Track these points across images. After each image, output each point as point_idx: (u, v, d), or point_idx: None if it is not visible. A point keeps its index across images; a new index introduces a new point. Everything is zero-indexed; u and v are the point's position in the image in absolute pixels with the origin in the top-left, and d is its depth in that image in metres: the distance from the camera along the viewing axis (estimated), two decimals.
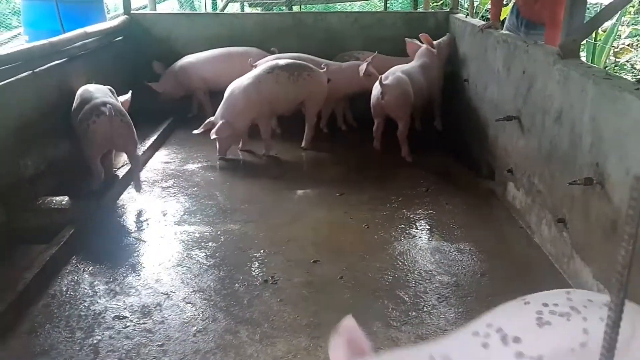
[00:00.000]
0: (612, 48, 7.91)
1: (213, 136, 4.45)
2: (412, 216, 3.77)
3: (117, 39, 5.48)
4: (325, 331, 2.59)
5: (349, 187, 4.20)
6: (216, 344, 2.52)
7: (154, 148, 4.96)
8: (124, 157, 4.52)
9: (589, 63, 4.16)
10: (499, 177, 4.05)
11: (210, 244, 3.40)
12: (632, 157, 2.36)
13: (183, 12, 10.40)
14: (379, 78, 4.56)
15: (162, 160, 4.80)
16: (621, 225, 2.42)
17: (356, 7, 10.09)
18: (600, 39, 7.72)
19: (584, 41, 4.80)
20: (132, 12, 5.88)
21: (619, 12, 6.99)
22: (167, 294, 2.89)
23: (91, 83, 4.21)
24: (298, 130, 5.05)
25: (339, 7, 9.90)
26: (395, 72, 4.76)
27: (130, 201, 3.98)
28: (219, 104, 4.68)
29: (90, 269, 3.12)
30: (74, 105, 3.94)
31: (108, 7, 9.00)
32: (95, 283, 2.98)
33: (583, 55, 6.59)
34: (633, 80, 5.24)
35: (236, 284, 2.97)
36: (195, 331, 2.60)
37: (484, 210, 3.87)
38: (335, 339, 1.47)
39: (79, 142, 3.85)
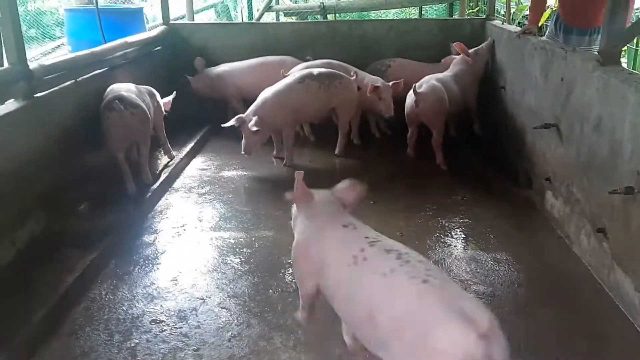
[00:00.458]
0: None
1: (254, 128, 4.44)
2: (447, 224, 3.74)
3: (156, 48, 5.60)
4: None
5: (383, 195, 4.18)
6: (250, 349, 2.54)
7: (191, 155, 5.05)
8: (163, 161, 4.64)
9: (630, 70, 4.04)
10: (536, 185, 3.98)
11: (245, 250, 3.43)
12: None
13: (220, 22, 10.57)
14: (413, 86, 4.55)
15: (198, 167, 4.88)
16: None
17: (391, 14, 10.08)
18: None
19: (625, 47, 4.70)
20: (170, 22, 6.01)
21: None
22: (202, 299, 2.93)
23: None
24: (332, 139, 5.06)
25: (373, 15, 9.91)
26: (430, 80, 4.74)
27: (167, 207, 4.06)
28: None
29: (128, 273, 3.19)
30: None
31: (147, 17, 9.21)
32: (134, 287, 3.04)
33: (624, 61, 6.43)
34: None
35: (270, 290, 3.00)
36: (230, 336, 2.63)
37: (521, 219, 3.81)
38: (298, 183, 2.30)
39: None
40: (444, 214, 3.87)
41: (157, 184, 4.25)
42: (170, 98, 4.72)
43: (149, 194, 4.09)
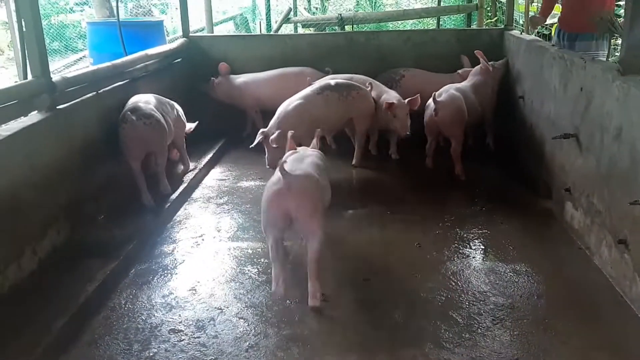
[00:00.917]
0: None
1: (274, 145, 4.47)
2: (465, 235, 3.71)
3: (176, 60, 5.67)
4: (376, 350, 2.58)
5: (401, 205, 4.18)
6: None
7: (209, 166, 5.10)
8: (183, 172, 4.70)
9: None
10: (556, 196, 3.94)
11: (262, 260, 3.44)
12: None
13: (239, 34, 10.68)
14: (433, 95, 4.54)
15: (216, 177, 4.92)
16: None
17: (408, 25, 10.10)
18: None
19: None
20: (190, 34, 6.08)
21: None
22: (220, 309, 2.94)
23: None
24: (350, 149, 5.07)
25: (390, 26, 9.93)
26: (449, 89, 4.73)
27: (186, 217, 4.09)
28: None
29: (147, 282, 3.21)
30: None
31: (167, 30, 9.35)
32: (152, 296, 3.07)
33: None
34: None
35: (287, 301, 3.00)
36: (248, 346, 2.64)
37: (541, 230, 3.77)
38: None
39: None
40: (462, 225, 3.85)
41: (176, 194, 4.29)
42: (194, 125, 4.78)
43: (168, 204, 4.13)
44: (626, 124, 2.91)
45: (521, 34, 5.50)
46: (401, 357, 2.54)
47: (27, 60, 3.38)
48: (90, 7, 11.33)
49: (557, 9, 5.83)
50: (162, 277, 3.28)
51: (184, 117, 4.69)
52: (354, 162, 5.02)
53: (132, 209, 3.96)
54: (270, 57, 5.85)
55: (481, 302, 2.94)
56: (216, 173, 5.03)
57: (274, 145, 4.45)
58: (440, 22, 9.76)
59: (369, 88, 4.93)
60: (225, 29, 11.50)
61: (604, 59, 4.75)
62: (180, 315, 2.90)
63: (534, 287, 3.09)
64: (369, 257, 3.47)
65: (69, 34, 10.83)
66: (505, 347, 2.59)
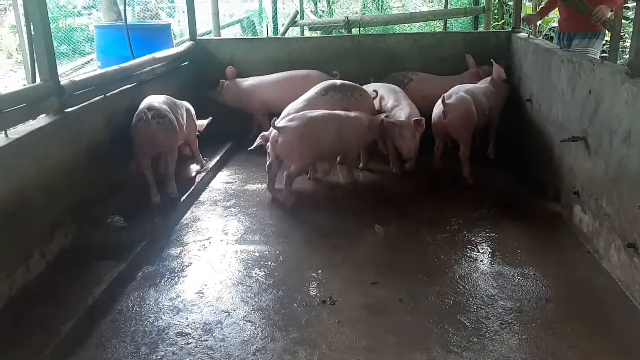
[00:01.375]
0: None
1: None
2: (473, 239, 3.70)
3: (183, 63, 5.69)
4: (384, 354, 2.57)
5: (408, 208, 4.17)
6: None
7: (216, 169, 5.11)
8: (193, 174, 4.71)
9: None
10: (564, 199, 3.92)
11: (269, 263, 3.44)
12: None
13: (245, 37, 10.70)
14: (442, 97, 4.52)
15: (224, 180, 4.92)
16: None
17: (415, 28, 10.08)
18: None
19: None
20: (197, 38, 6.10)
21: None
22: (227, 312, 2.94)
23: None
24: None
25: (397, 29, 9.92)
26: (458, 91, 4.71)
27: (193, 220, 4.10)
28: None
29: (155, 285, 3.22)
30: None
31: (175, 33, 9.38)
32: (160, 299, 3.07)
33: None
34: None
35: (294, 304, 3.00)
36: (255, 350, 2.63)
37: (549, 233, 3.75)
38: None
39: None
40: (470, 228, 3.83)
41: (184, 197, 4.29)
42: (206, 121, 4.85)
43: (176, 206, 4.14)
44: (635, 127, 2.90)
45: (529, 36, 5.48)
46: None
47: (36, 64, 3.40)
48: (98, 10, 11.40)
49: (557, 11, 5.88)
50: (170, 279, 3.28)
51: (195, 117, 4.73)
52: (360, 165, 5.01)
53: (140, 211, 3.96)
54: (277, 60, 5.86)
55: (489, 306, 2.93)
56: (223, 176, 5.04)
57: None
58: (447, 25, 9.74)
59: (374, 96, 4.88)
60: (232, 32, 11.52)
61: (597, 52, 5.01)
62: (187, 318, 2.90)
63: (542, 290, 3.07)
64: (376, 260, 3.46)
65: (77, 38, 10.88)
66: (514, 351, 2.57)
